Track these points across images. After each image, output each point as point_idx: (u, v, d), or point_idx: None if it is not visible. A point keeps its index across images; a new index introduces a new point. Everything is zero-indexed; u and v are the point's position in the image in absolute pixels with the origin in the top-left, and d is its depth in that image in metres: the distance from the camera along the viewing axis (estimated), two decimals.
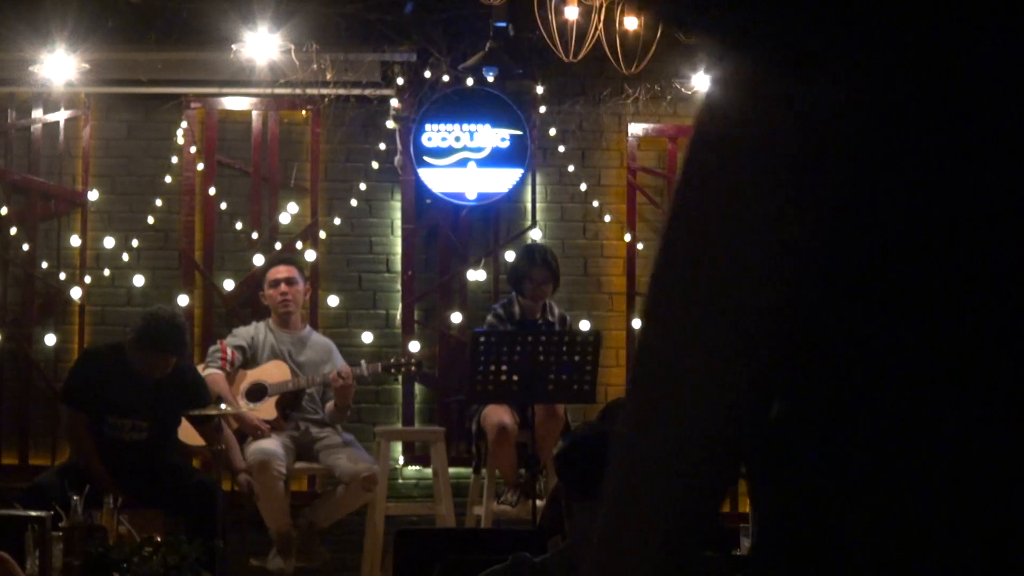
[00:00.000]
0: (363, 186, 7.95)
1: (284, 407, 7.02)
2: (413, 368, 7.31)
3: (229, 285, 7.83)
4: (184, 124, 7.82)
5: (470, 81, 7.78)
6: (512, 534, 4.83)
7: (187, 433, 6.70)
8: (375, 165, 7.94)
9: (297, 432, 7.01)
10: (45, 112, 7.82)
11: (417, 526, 7.10)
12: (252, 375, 7.06)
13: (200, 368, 6.90)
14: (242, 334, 7.16)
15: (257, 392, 7.01)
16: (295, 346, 7.15)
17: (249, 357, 7.09)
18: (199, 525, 5.91)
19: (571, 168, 8.03)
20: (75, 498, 4.86)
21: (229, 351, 7.01)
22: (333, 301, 7.83)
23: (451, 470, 7.34)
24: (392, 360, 7.30)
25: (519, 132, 7.85)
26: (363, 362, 7.15)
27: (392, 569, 4.59)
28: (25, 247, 7.76)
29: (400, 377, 7.61)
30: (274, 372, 7.07)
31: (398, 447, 7.77)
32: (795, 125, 1.03)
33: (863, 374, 1.03)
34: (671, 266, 1.06)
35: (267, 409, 6.99)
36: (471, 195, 7.83)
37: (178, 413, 6.49)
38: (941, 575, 0.99)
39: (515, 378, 6.38)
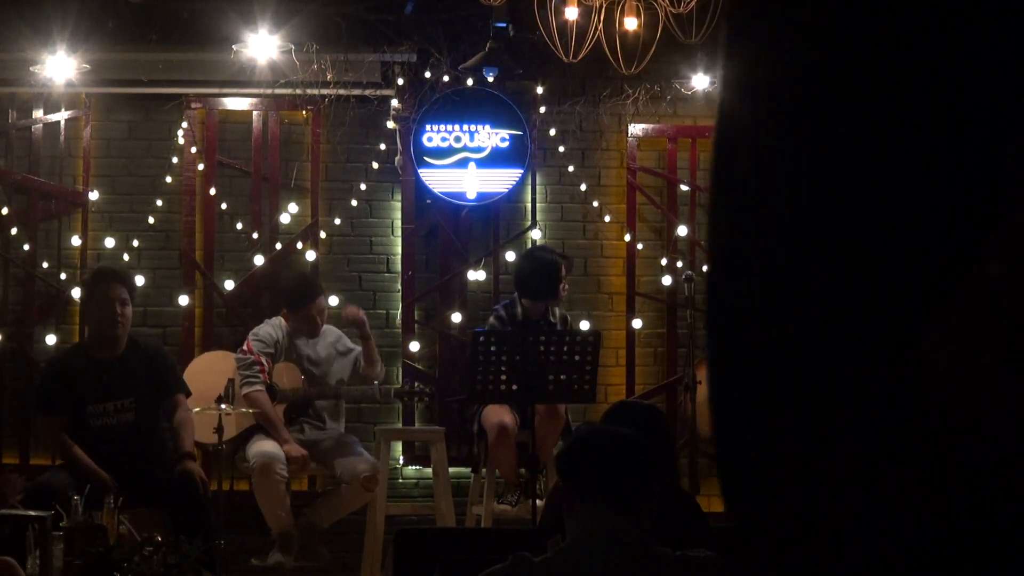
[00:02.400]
0: (363, 186, 7.96)
1: (290, 411, 7.02)
2: (426, 400, 7.42)
3: (229, 285, 7.83)
4: (184, 124, 7.82)
5: (470, 81, 7.78)
6: (512, 534, 4.83)
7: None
8: (375, 165, 7.95)
9: (301, 434, 7.01)
10: (46, 112, 7.83)
11: (417, 526, 7.10)
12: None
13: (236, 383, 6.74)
14: (266, 337, 7.06)
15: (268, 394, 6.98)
16: (310, 347, 7.15)
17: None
18: (197, 528, 5.87)
19: (571, 168, 8.04)
20: (76, 498, 4.87)
21: (263, 360, 6.96)
22: (333, 301, 7.83)
23: (451, 470, 7.35)
24: (405, 387, 7.38)
25: (519, 132, 7.86)
26: (376, 384, 7.22)
27: (392, 569, 4.59)
28: (26, 247, 7.76)
29: (415, 403, 7.64)
30: (285, 377, 7.05)
31: (398, 447, 7.78)
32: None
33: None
34: None
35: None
36: (471, 195, 7.83)
37: (160, 391, 6.49)
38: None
39: (515, 378, 6.38)
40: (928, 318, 1.05)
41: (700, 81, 7.98)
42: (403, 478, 7.86)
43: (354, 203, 7.95)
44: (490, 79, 7.72)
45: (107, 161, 7.91)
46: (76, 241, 7.81)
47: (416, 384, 7.50)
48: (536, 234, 7.98)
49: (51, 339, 7.66)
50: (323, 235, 7.91)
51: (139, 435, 6.37)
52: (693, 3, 6.12)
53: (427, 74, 7.77)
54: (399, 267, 7.94)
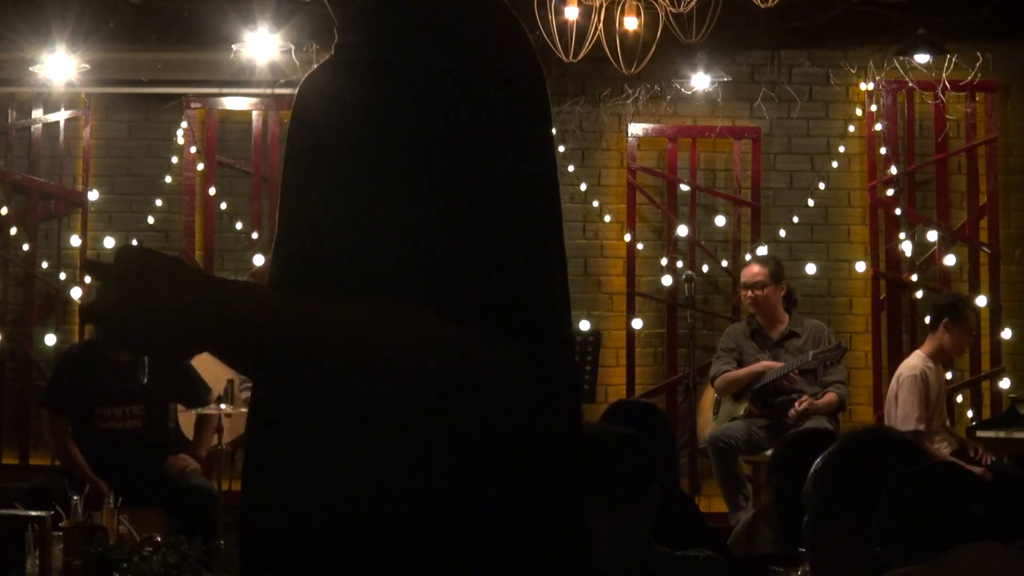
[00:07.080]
0: None
1: None
2: None
3: None
4: (184, 124, 7.83)
5: None
6: None
7: (189, 426, 6.68)
8: None
9: None
10: (45, 112, 7.83)
11: None
12: None
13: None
14: None
15: None
16: None
17: None
18: (197, 529, 5.85)
19: (571, 168, 8.04)
20: (75, 498, 4.86)
21: None
22: None
23: None
24: None
25: None
26: None
27: None
28: (25, 247, 7.77)
29: None
30: None
31: None
32: None
33: None
34: None
35: None
36: None
37: (170, 397, 6.40)
38: None
39: None
40: None
41: (700, 81, 7.98)
42: None
43: None
44: None
45: (107, 161, 7.92)
46: (76, 241, 7.82)
47: None
48: None
49: (51, 339, 7.67)
50: None
51: (144, 442, 6.29)
52: (693, 3, 6.12)
53: None
54: None
